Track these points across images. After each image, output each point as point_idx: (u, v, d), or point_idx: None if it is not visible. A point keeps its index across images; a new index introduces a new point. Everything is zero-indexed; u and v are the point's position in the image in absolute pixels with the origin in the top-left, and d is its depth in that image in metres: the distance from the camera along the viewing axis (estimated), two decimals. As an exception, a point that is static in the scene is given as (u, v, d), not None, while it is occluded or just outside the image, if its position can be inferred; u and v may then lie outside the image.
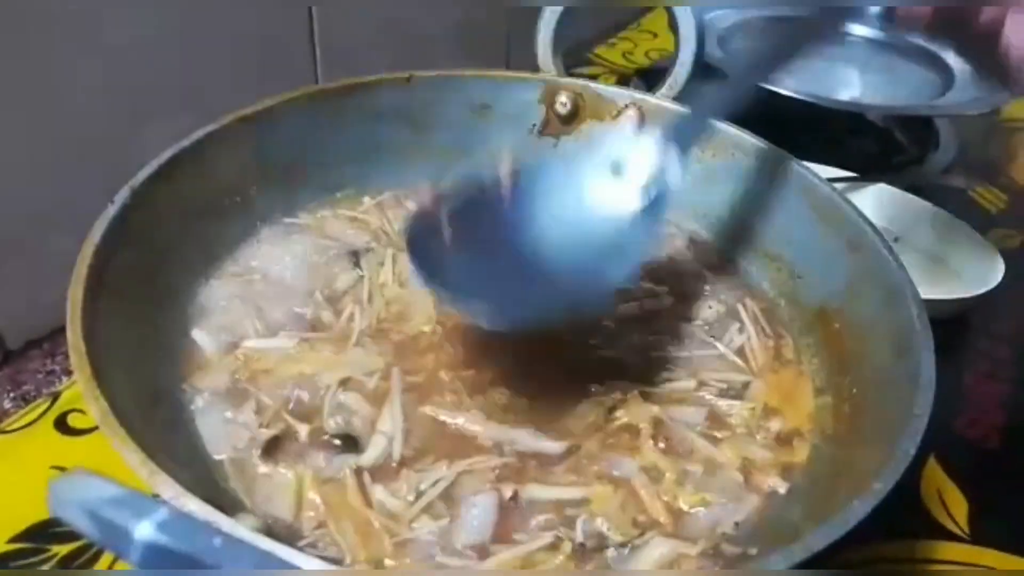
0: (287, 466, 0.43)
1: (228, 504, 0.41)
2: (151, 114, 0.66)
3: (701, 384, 0.51)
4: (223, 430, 0.45)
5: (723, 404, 0.50)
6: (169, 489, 0.32)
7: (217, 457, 0.44)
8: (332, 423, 0.46)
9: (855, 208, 0.55)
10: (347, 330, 0.52)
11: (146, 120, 0.66)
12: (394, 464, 0.44)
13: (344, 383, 0.48)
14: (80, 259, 0.43)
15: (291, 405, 0.47)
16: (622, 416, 0.48)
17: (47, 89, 0.62)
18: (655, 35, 1.25)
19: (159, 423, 0.43)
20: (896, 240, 0.81)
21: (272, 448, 0.44)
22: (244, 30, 0.73)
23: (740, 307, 0.57)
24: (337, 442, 0.45)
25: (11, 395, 0.68)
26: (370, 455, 0.44)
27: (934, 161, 0.99)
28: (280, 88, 0.60)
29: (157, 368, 0.47)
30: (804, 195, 0.58)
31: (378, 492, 0.43)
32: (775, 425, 0.49)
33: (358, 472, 0.43)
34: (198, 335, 0.50)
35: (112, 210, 0.47)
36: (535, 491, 0.43)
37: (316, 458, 0.44)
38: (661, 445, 0.46)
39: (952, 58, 1.06)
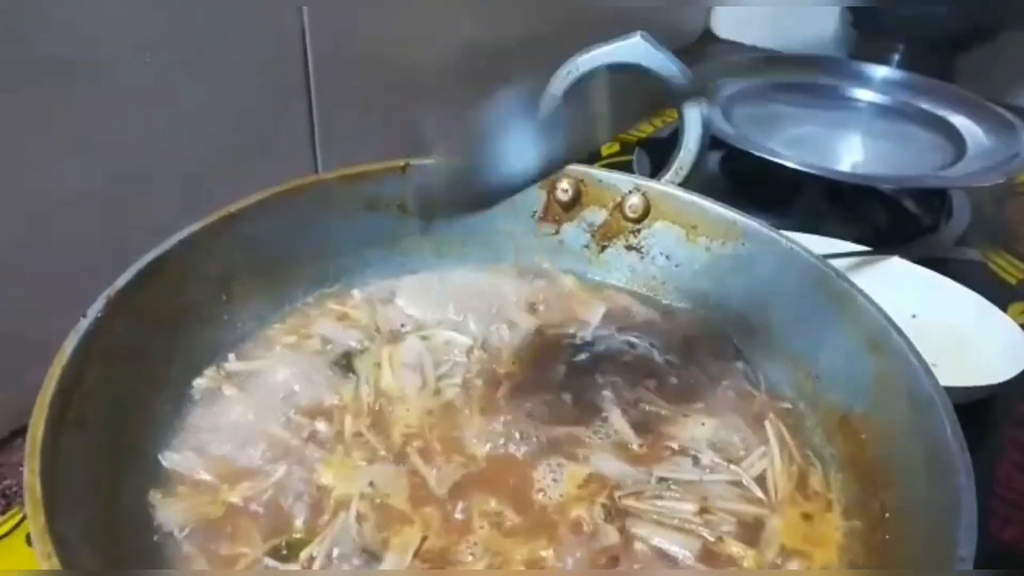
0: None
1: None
2: (147, 199, 0.64)
3: (704, 511, 0.46)
4: None
5: (725, 542, 0.45)
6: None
7: None
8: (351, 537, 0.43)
9: (875, 304, 0.52)
10: (350, 443, 0.49)
11: (141, 205, 0.64)
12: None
13: (362, 498, 0.45)
14: (46, 382, 0.40)
15: (282, 547, 0.43)
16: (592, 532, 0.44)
17: (40, 171, 0.59)
18: (657, 101, 1.24)
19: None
20: (913, 317, 0.78)
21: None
22: (243, 113, 0.72)
23: (767, 424, 0.52)
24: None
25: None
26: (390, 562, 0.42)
27: (948, 230, 0.97)
28: (277, 170, 0.58)
29: (129, 506, 0.43)
30: (818, 287, 0.55)
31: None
32: (794, 567, 0.44)
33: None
34: (175, 462, 0.46)
35: (83, 325, 0.44)
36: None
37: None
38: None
39: (962, 122, 1.04)
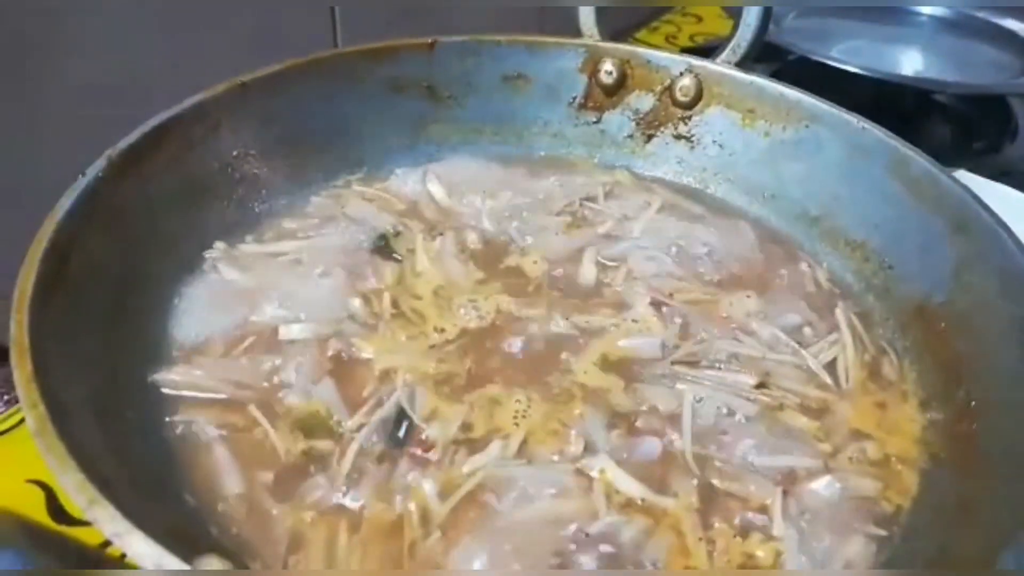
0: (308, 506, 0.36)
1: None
2: (161, 79, 0.59)
3: (762, 385, 0.42)
4: (223, 458, 0.37)
5: (786, 411, 0.41)
6: (110, 524, 0.25)
7: (224, 494, 0.36)
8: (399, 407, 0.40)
9: (958, 183, 0.46)
10: (390, 322, 0.45)
11: (155, 86, 0.59)
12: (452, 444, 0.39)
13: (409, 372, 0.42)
14: (36, 239, 0.36)
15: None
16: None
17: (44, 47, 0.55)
18: (699, 19, 1.17)
19: (129, 444, 0.35)
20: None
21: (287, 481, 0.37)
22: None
23: (838, 312, 0.47)
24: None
25: (4, 397, 0.62)
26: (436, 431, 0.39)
27: (1014, 147, 0.90)
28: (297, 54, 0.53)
29: (131, 373, 0.39)
30: (894, 170, 0.49)
31: (427, 486, 0.37)
32: (869, 449, 0.40)
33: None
34: (187, 328, 0.43)
35: (82, 183, 0.40)
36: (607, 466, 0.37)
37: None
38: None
39: (1032, 35, 0.96)
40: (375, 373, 0.42)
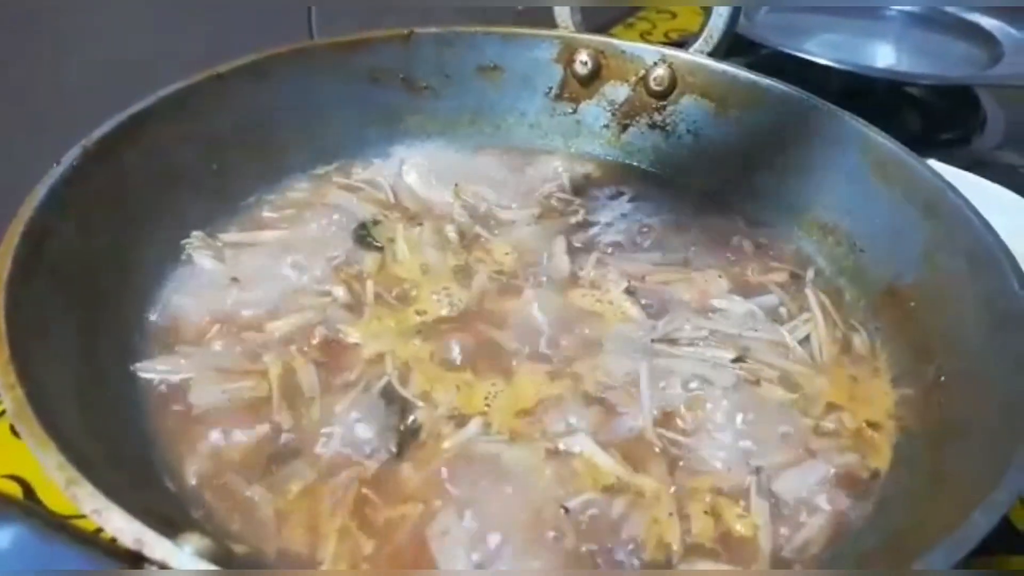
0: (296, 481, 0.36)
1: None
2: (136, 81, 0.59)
3: (740, 359, 0.43)
4: (203, 445, 0.37)
5: (763, 386, 0.42)
6: (89, 500, 0.25)
7: (192, 479, 0.36)
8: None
9: (926, 166, 0.47)
10: (375, 308, 0.46)
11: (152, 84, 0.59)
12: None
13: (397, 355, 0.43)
14: (11, 227, 0.36)
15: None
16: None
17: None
18: (674, 15, 1.18)
19: (110, 429, 0.35)
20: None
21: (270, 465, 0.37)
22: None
23: (808, 291, 0.49)
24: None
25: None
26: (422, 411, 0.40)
27: (982, 138, 0.92)
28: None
29: (111, 360, 0.39)
30: (864, 155, 0.50)
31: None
32: (846, 420, 0.41)
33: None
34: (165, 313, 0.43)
35: (57, 171, 0.40)
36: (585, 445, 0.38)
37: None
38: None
39: (997, 27, 0.99)
40: (363, 357, 0.42)
